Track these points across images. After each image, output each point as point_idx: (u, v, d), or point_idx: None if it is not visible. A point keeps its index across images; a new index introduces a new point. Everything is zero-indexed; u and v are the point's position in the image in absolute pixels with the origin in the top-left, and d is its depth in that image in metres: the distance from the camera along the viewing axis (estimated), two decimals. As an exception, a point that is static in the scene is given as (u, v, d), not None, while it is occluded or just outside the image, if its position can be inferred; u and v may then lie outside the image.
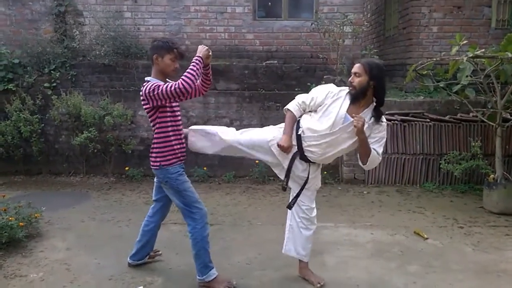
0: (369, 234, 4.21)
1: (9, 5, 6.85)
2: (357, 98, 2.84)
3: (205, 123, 6.38)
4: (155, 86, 2.82)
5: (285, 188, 3.14)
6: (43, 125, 6.31)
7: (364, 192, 5.70)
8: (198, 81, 3.16)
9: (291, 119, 3.00)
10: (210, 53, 2.99)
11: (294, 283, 3.21)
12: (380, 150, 2.89)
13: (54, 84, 6.37)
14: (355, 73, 2.82)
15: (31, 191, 5.72)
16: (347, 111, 2.88)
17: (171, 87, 2.78)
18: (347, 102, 2.90)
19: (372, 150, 2.85)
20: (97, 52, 6.33)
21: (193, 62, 2.87)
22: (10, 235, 3.69)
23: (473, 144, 5.41)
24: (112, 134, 6.19)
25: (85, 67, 6.50)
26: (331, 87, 3.04)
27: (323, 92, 3.00)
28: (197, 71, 2.84)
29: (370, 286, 3.18)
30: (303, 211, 3.18)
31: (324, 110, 2.94)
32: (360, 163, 2.96)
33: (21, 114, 6.05)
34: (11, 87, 6.25)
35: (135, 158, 6.44)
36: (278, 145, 2.94)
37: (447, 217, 4.72)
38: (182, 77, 2.80)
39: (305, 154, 3.00)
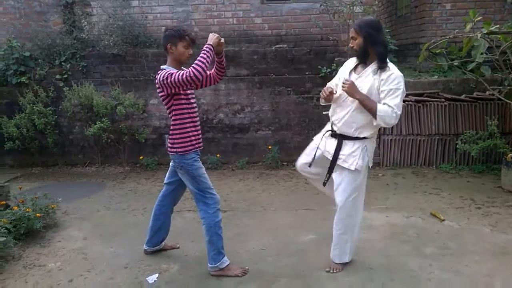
0: (384, 217, 4.17)
1: (18, -2, 6.89)
2: (362, 58, 2.96)
3: (216, 110, 6.37)
4: (168, 74, 2.87)
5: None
6: (56, 116, 6.39)
7: (379, 174, 5.64)
8: (213, 70, 3.18)
9: None
10: (222, 41, 3.00)
11: (308, 268, 3.20)
12: (394, 103, 2.78)
13: (66, 76, 6.42)
14: (352, 37, 2.96)
15: (48, 182, 5.81)
16: (355, 72, 3.01)
17: (182, 75, 2.82)
18: (353, 64, 3.07)
19: (383, 104, 2.81)
20: (106, 42, 6.32)
21: (203, 50, 2.90)
22: (28, 226, 3.77)
23: (490, 123, 5.30)
24: (125, 123, 6.24)
25: (95, 58, 6.51)
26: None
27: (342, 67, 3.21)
28: (207, 58, 2.86)
29: (385, 269, 3.16)
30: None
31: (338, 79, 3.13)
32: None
33: (34, 107, 6.13)
34: (24, 80, 6.33)
35: (149, 147, 6.48)
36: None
37: (464, 198, 4.65)
38: (193, 65, 2.83)
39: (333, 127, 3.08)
